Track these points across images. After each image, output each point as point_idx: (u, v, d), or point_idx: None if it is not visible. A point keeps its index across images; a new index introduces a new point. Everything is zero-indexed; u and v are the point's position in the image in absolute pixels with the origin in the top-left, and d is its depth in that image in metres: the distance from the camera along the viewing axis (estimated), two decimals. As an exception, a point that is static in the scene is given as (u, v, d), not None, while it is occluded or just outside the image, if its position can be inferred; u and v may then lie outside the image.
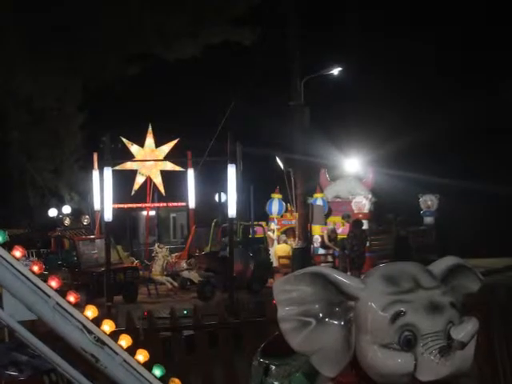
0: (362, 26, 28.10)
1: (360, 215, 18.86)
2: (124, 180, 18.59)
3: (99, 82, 24.73)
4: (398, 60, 28.17)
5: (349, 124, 26.85)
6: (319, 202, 19.70)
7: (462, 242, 19.86)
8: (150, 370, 3.58)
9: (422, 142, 26.11)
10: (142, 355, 3.58)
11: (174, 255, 16.95)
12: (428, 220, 22.47)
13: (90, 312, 3.49)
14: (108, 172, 14.65)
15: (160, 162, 18.68)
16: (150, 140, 18.70)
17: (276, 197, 20.98)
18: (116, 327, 3.64)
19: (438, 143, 27.96)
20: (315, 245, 19.11)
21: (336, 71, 21.15)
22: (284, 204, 21.01)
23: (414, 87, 27.83)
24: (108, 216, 14.53)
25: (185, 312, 11.36)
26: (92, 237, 16.58)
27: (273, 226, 20.31)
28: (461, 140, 27.99)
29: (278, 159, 21.86)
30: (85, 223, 17.64)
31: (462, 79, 28.19)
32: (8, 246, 3.49)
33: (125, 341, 3.55)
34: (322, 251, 19.29)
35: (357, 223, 15.80)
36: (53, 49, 23.03)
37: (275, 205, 20.78)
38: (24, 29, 22.69)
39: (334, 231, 18.80)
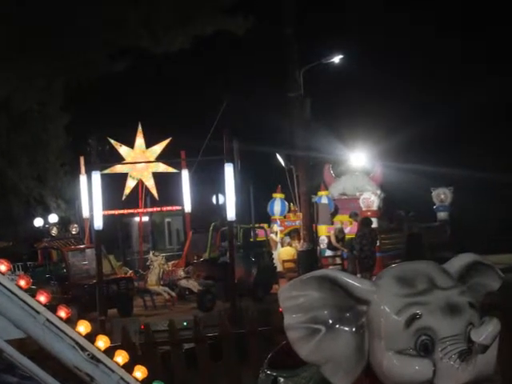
0: (363, 11, 28.13)
1: (368, 213, 18.87)
2: (114, 184, 18.61)
3: (83, 80, 24.73)
4: (406, 46, 28.18)
5: (353, 115, 26.86)
6: (324, 201, 19.70)
7: (479, 238, 19.88)
8: (149, 387, 3.58)
9: (433, 131, 26.14)
10: (140, 372, 3.58)
11: (170, 263, 16.97)
12: (442, 215, 22.48)
13: (83, 327, 3.50)
14: (96, 176, 14.65)
15: (152, 164, 18.69)
16: (140, 140, 18.70)
17: (278, 196, 20.99)
18: (111, 343, 3.65)
19: (450, 132, 27.99)
20: (322, 246, 19.12)
21: (337, 59, 21.16)
22: (287, 204, 21.02)
23: (423, 73, 27.85)
24: (98, 224, 14.54)
25: (184, 324, 11.39)
26: (82, 247, 16.59)
27: (275, 227, 20.31)
28: (475, 128, 27.99)
29: (278, 156, 21.86)
30: (73, 232, 17.65)
31: (475, 64, 28.21)
32: (-8, 260, 3.49)
33: (121, 357, 3.55)
34: (329, 253, 19.31)
35: (365, 221, 15.81)
36: (33, 45, 23.03)
37: (277, 205, 20.79)
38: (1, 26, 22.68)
39: (341, 231, 18.81)
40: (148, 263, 16.44)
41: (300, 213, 19.54)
